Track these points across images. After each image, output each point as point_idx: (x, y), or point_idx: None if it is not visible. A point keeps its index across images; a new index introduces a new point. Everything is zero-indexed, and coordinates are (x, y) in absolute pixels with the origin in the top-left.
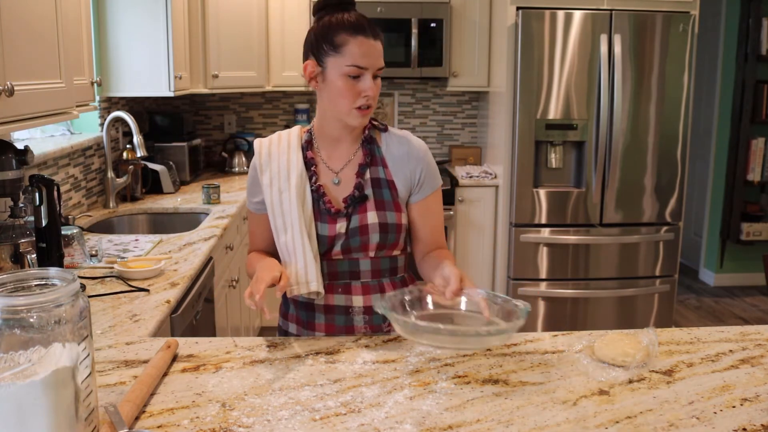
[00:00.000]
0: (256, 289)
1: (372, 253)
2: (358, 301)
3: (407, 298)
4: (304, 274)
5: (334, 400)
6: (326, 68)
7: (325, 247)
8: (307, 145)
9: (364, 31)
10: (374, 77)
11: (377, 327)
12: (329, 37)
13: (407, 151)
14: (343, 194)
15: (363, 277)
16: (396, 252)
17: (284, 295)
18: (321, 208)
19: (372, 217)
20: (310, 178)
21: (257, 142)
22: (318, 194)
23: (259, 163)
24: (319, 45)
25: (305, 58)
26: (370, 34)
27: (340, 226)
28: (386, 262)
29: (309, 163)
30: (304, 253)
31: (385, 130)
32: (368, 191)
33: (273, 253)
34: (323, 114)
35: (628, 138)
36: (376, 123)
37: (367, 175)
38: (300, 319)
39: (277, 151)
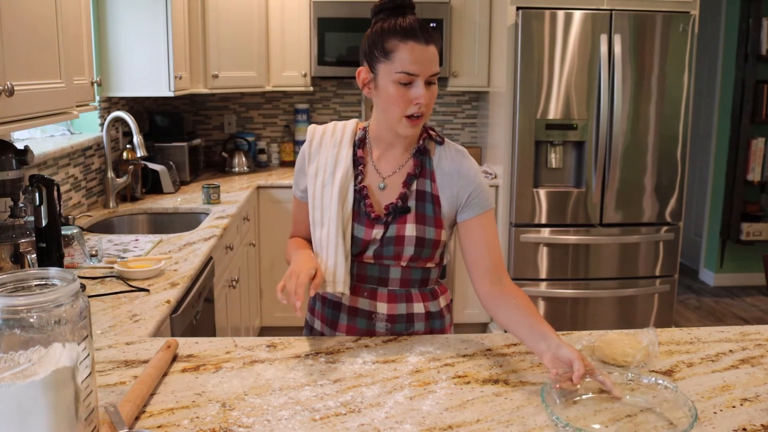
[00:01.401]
0: (294, 291)
1: (404, 263)
2: (382, 308)
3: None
4: (333, 273)
5: (334, 400)
6: (378, 75)
7: (358, 249)
8: (360, 143)
9: (416, 35)
10: (429, 83)
11: (399, 335)
12: (380, 43)
13: (458, 169)
14: (386, 200)
15: (391, 284)
16: (430, 264)
17: None
18: (361, 209)
19: (410, 229)
20: (356, 177)
21: (311, 128)
22: (361, 195)
23: (309, 152)
24: (371, 51)
25: (360, 64)
26: (422, 39)
27: (377, 233)
28: (417, 273)
29: (357, 162)
30: (336, 252)
31: (442, 142)
32: (411, 203)
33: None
34: (378, 119)
35: (628, 138)
36: (433, 134)
37: (414, 187)
38: (325, 316)
39: (330, 143)
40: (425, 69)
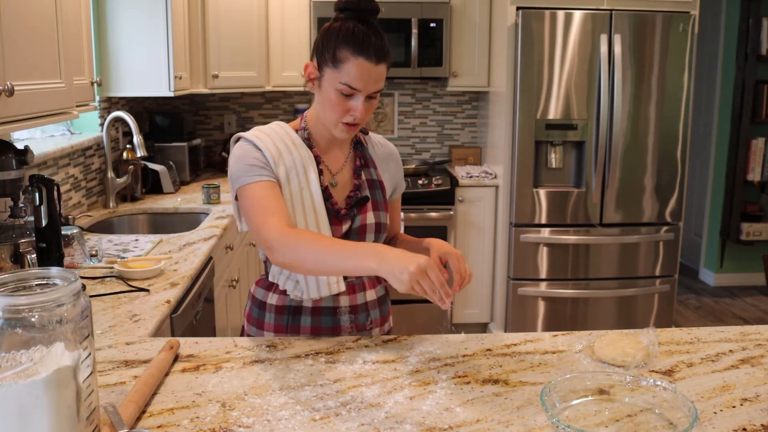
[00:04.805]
0: (446, 291)
1: None
2: (344, 300)
3: None
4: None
5: (334, 400)
6: (323, 77)
7: None
8: (307, 143)
9: (367, 52)
10: (370, 97)
11: (362, 326)
12: (332, 49)
13: (389, 153)
14: (342, 195)
15: (348, 276)
16: None
17: (258, 302)
18: (328, 208)
19: (371, 217)
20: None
21: (252, 137)
22: (327, 194)
23: (272, 155)
24: (322, 52)
25: (311, 56)
26: (373, 57)
27: (346, 227)
28: None
29: (317, 161)
30: None
31: (367, 133)
32: (366, 192)
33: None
34: (317, 116)
35: (628, 138)
36: None
37: (363, 177)
38: (282, 325)
39: (283, 146)
40: (369, 87)
